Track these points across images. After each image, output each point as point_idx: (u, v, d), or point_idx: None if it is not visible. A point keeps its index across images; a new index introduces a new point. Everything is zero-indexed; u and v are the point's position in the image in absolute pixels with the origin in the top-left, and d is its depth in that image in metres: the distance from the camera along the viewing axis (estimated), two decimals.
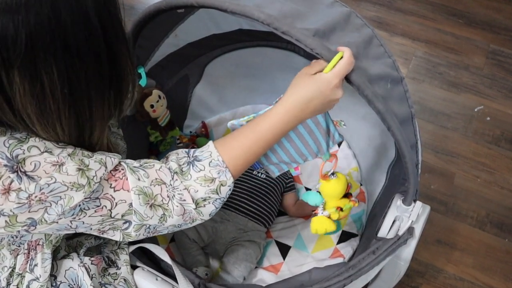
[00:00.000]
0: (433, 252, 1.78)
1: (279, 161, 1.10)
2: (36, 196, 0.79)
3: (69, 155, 0.83)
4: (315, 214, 1.27)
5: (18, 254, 0.99)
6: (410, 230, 1.16)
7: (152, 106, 1.48)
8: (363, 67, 0.96)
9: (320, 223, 1.25)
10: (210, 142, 0.98)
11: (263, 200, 1.56)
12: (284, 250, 1.56)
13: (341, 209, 1.25)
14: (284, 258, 1.54)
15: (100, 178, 0.85)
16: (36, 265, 0.99)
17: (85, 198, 0.83)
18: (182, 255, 1.49)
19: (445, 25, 2.56)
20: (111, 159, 0.88)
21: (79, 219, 0.85)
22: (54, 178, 0.80)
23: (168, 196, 0.92)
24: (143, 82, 1.27)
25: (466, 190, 1.94)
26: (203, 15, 1.37)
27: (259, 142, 0.98)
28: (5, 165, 0.78)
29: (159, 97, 1.49)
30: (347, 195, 1.26)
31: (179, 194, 0.92)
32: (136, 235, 0.92)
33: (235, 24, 1.57)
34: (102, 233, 0.92)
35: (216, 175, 0.94)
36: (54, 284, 1.01)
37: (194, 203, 0.93)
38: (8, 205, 0.78)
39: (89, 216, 0.86)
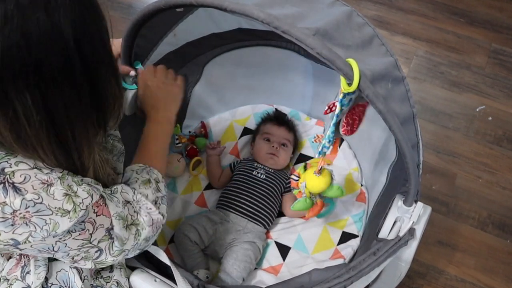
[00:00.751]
0: (434, 253, 1.78)
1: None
2: (20, 213, 0.79)
3: (59, 177, 0.84)
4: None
5: (10, 257, 1.00)
6: (411, 231, 1.16)
7: None
8: (364, 67, 0.96)
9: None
10: (127, 167, 1.11)
11: (262, 201, 1.56)
12: (284, 251, 1.56)
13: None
14: (284, 259, 1.54)
15: (86, 206, 0.87)
16: (28, 272, 0.98)
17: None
18: (183, 257, 1.49)
19: (447, 24, 2.56)
20: (96, 192, 0.91)
21: (64, 240, 0.86)
22: (41, 197, 0.80)
23: (135, 211, 1.00)
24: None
25: (467, 191, 1.94)
26: (202, 14, 1.37)
27: (159, 140, 1.18)
28: None
29: None
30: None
31: (144, 205, 1.02)
32: (113, 260, 0.97)
33: (234, 23, 1.57)
34: (74, 262, 0.94)
35: (147, 175, 1.07)
36: (45, 286, 1.01)
37: (156, 208, 1.03)
38: None
39: (73, 239, 0.88)
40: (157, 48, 1.39)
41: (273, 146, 1.69)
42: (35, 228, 0.81)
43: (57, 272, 1.02)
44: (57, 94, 0.74)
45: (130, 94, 1.35)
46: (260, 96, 1.91)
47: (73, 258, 0.92)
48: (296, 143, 1.80)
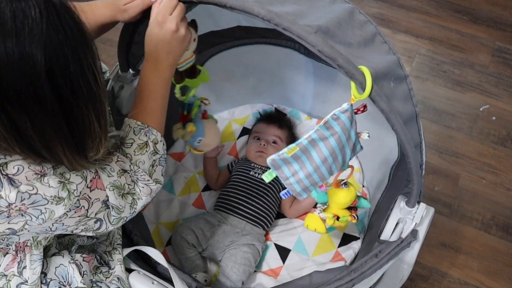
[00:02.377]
0: (437, 255, 1.78)
1: (310, 184, 1.10)
2: (16, 206, 0.80)
3: (52, 166, 0.85)
4: (312, 211, 1.30)
5: (6, 253, 1.00)
6: (413, 233, 1.16)
7: None
8: (366, 65, 0.96)
9: (313, 221, 1.31)
10: (126, 118, 1.07)
11: (260, 202, 1.57)
12: (283, 253, 1.56)
13: (337, 218, 1.29)
14: (283, 262, 1.54)
15: (80, 192, 0.88)
16: (25, 267, 1.00)
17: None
18: (180, 260, 1.49)
19: (450, 22, 2.57)
20: (90, 173, 0.92)
21: (61, 221, 0.88)
22: (36, 188, 0.81)
23: (132, 181, 1.01)
24: None
25: (471, 192, 1.95)
26: (200, 11, 1.37)
27: (156, 95, 1.09)
28: None
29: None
30: (350, 208, 1.31)
31: (141, 175, 1.01)
32: (113, 227, 1.00)
33: (233, 21, 1.57)
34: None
35: (145, 137, 1.04)
36: (44, 282, 1.02)
37: (149, 176, 1.03)
38: None
39: (69, 217, 0.89)
40: None
41: (261, 144, 1.69)
42: (31, 217, 0.83)
43: (55, 267, 1.03)
44: (27, 120, 0.73)
45: (127, 92, 1.35)
46: (259, 95, 1.91)
47: (72, 232, 0.95)
48: (293, 140, 1.80)
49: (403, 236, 1.17)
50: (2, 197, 0.79)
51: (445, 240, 1.82)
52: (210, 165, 1.72)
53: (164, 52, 1.07)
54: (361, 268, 1.15)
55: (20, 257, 1.00)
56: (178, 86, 1.34)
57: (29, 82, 0.70)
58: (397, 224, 1.18)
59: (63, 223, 0.89)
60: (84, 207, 0.91)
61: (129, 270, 1.13)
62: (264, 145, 1.69)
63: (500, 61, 2.39)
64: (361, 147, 1.12)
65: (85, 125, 0.81)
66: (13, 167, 0.80)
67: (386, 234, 1.18)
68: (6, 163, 0.80)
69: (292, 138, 1.79)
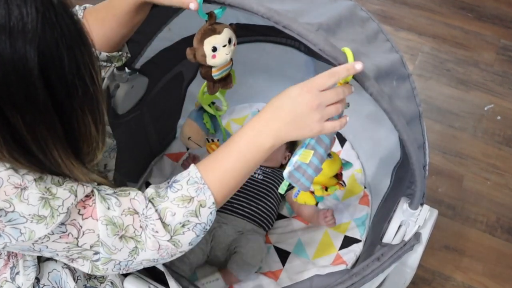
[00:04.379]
0: (441, 258, 1.78)
1: (316, 174, 1.10)
2: None
3: (35, 179, 0.80)
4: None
5: None
6: (416, 236, 1.17)
7: (214, 49, 1.12)
8: (368, 63, 0.96)
9: (302, 195, 1.30)
10: (192, 165, 0.95)
11: (261, 202, 1.57)
12: (283, 256, 1.56)
13: (326, 189, 1.28)
14: (283, 265, 1.54)
15: (68, 208, 0.82)
16: (18, 273, 0.99)
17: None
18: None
19: (453, 19, 2.57)
20: (84, 187, 0.85)
21: (42, 243, 0.83)
22: (13, 206, 0.78)
23: (141, 227, 0.89)
24: (201, 13, 1.06)
25: (475, 193, 1.95)
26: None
27: (239, 155, 0.94)
28: None
29: (229, 41, 1.14)
30: (337, 175, 1.30)
31: (151, 224, 0.89)
32: (103, 269, 0.90)
33: (232, 18, 1.57)
34: (71, 261, 0.90)
35: (194, 193, 0.91)
36: (37, 287, 1.01)
37: (170, 232, 0.89)
38: None
39: (53, 241, 0.84)
40: (152, 43, 1.39)
41: None
42: (10, 239, 0.79)
43: (49, 272, 1.02)
44: (19, 119, 0.72)
45: (122, 91, 1.35)
46: (258, 94, 1.91)
47: (67, 257, 0.88)
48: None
49: (406, 238, 1.17)
50: None
51: (448, 243, 1.82)
52: None
53: (282, 121, 0.92)
54: (362, 272, 1.15)
55: (13, 262, 0.99)
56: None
57: (21, 79, 0.69)
58: (400, 226, 1.18)
59: (47, 246, 0.84)
60: (72, 234, 0.84)
61: (124, 274, 1.13)
62: None
63: (505, 59, 2.39)
64: (348, 105, 1.10)
65: (80, 127, 0.79)
66: None
67: (389, 236, 1.19)
68: None
69: None
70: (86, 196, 0.87)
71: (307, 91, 0.91)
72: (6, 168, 0.78)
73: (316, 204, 1.35)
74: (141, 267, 0.94)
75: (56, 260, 1.03)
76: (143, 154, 1.71)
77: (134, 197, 0.90)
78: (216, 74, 1.18)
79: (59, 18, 0.71)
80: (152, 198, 0.91)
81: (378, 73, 0.97)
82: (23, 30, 0.67)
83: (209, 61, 1.13)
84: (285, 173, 1.03)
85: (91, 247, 0.87)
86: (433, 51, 2.43)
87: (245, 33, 1.65)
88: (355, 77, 0.94)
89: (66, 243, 0.85)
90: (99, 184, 0.91)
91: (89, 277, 1.07)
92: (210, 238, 1.50)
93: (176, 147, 1.80)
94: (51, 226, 0.81)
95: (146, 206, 0.89)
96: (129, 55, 1.22)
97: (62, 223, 0.83)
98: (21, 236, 0.79)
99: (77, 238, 0.85)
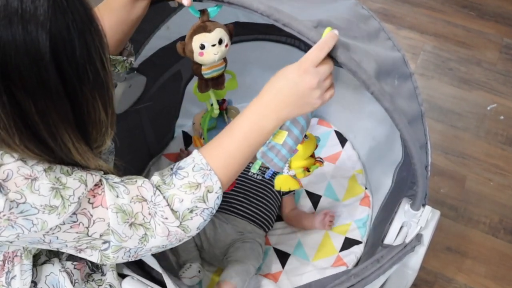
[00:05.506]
0: (443, 260, 1.78)
1: (290, 154, 1.10)
2: (4, 215, 0.78)
3: (44, 170, 0.81)
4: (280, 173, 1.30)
5: None
6: (418, 237, 1.17)
7: (202, 46, 1.13)
8: (369, 62, 0.96)
9: (285, 181, 1.29)
10: (195, 150, 0.96)
11: (260, 203, 1.57)
12: (283, 258, 1.56)
13: (308, 170, 1.28)
14: (283, 267, 1.54)
15: (79, 198, 0.83)
16: (14, 277, 0.98)
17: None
18: (178, 250, 1.49)
19: (456, 17, 2.57)
20: (93, 176, 0.86)
21: (53, 233, 0.84)
22: (24, 197, 0.79)
23: (149, 214, 0.90)
24: (192, 9, 1.08)
25: (478, 194, 1.95)
26: (196, 6, 1.37)
27: (243, 140, 0.96)
28: None
29: (220, 41, 1.14)
30: (312, 155, 1.30)
31: (160, 211, 0.90)
32: (114, 257, 0.91)
33: (231, 16, 1.57)
34: (79, 252, 0.91)
35: (201, 179, 0.92)
36: None
37: (179, 218, 0.91)
38: None
39: (64, 232, 0.85)
40: (150, 42, 1.39)
41: None
42: (22, 230, 0.80)
43: (46, 276, 1.02)
44: (31, 104, 0.73)
45: (120, 90, 1.34)
46: (258, 93, 1.90)
47: (76, 248, 0.89)
48: None
49: (408, 240, 1.17)
50: None
51: (451, 244, 1.82)
52: None
53: (284, 103, 0.95)
54: (362, 273, 1.14)
55: (8, 267, 0.99)
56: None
57: (33, 63, 0.70)
58: (401, 227, 1.18)
59: (57, 237, 0.85)
60: (82, 224, 0.85)
61: (122, 276, 1.13)
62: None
63: (508, 58, 2.39)
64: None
65: (90, 112, 0.80)
66: (3, 172, 0.78)
67: (390, 238, 1.18)
68: None
69: None
70: (95, 185, 0.88)
71: (304, 72, 0.94)
72: (15, 160, 0.79)
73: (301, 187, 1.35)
74: (150, 253, 0.96)
75: (53, 264, 1.04)
76: (141, 154, 1.71)
77: (141, 185, 0.91)
78: (206, 72, 1.19)
79: (70, 3, 0.72)
80: (159, 186, 0.93)
81: (379, 72, 0.97)
82: (34, 13, 0.68)
83: (196, 58, 1.14)
84: (258, 152, 1.03)
85: (100, 236, 0.88)
86: (435, 50, 2.43)
87: (245, 32, 1.65)
88: (356, 76, 0.94)
89: (77, 232, 0.86)
90: (105, 172, 0.92)
91: (87, 279, 1.07)
92: (211, 234, 1.50)
93: (174, 147, 1.80)
94: (63, 216, 0.82)
95: (154, 193, 0.91)
96: (133, 62, 1.22)
97: (73, 213, 0.84)
98: (33, 227, 0.80)
99: (87, 227, 0.86)
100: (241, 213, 1.55)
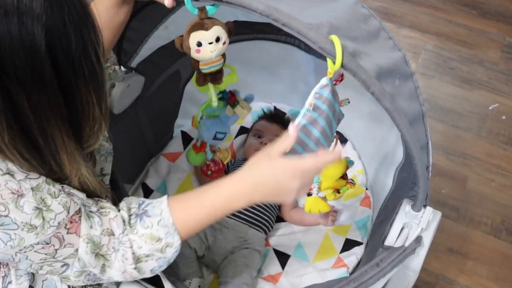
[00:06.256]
0: (444, 261, 1.78)
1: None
2: None
3: (32, 188, 0.82)
4: (310, 194, 1.28)
5: None
6: (417, 239, 1.16)
7: (199, 44, 1.14)
8: (370, 61, 0.96)
9: (315, 204, 1.29)
10: (164, 198, 0.99)
11: (261, 204, 1.57)
12: (283, 259, 1.56)
13: (338, 191, 1.28)
14: (283, 268, 1.54)
15: (59, 223, 0.85)
16: (10, 282, 0.99)
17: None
18: (178, 264, 1.48)
19: (457, 16, 2.57)
20: (74, 204, 0.89)
21: (25, 252, 0.85)
22: (8, 210, 0.79)
23: (113, 248, 0.94)
24: (189, 6, 1.07)
25: (479, 195, 1.95)
26: (195, 4, 1.37)
27: (211, 210, 0.99)
28: None
29: (218, 39, 1.14)
30: (343, 176, 1.30)
31: (123, 250, 0.94)
32: (75, 280, 0.93)
33: (230, 16, 1.57)
34: (37, 272, 0.93)
35: (163, 235, 0.95)
36: None
37: (135, 261, 0.95)
38: None
39: (35, 251, 0.86)
40: (148, 41, 1.39)
41: (261, 143, 1.69)
42: None
43: (43, 281, 1.03)
44: (24, 97, 0.73)
45: (118, 90, 1.34)
46: (258, 93, 1.90)
47: (36, 271, 0.91)
48: None
49: (409, 241, 1.16)
50: None
51: (452, 246, 1.82)
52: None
53: (260, 191, 0.97)
54: (361, 278, 1.14)
55: (5, 271, 0.99)
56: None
57: (28, 56, 0.70)
58: (402, 229, 1.18)
59: (27, 256, 0.86)
60: (54, 246, 0.87)
61: None
62: (266, 144, 1.68)
63: (510, 58, 2.39)
64: (343, 114, 1.12)
65: (84, 107, 0.80)
66: None
67: (391, 239, 1.18)
68: None
69: None
70: (75, 211, 0.89)
71: (292, 177, 0.95)
72: (3, 173, 0.80)
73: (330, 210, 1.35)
74: (107, 281, 0.99)
75: None
76: (139, 154, 1.71)
77: (113, 218, 0.95)
78: (203, 68, 1.20)
79: None
80: (126, 224, 0.96)
81: (380, 72, 0.97)
82: (30, 6, 0.69)
83: (193, 54, 1.15)
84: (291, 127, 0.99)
85: (63, 259, 0.90)
86: (436, 49, 2.43)
87: (244, 31, 1.65)
88: (356, 76, 0.94)
89: (46, 254, 0.87)
90: (84, 189, 0.93)
91: (84, 285, 1.07)
92: (211, 240, 1.50)
93: (173, 147, 1.80)
94: (40, 237, 0.83)
95: (123, 232, 0.94)
96: (117, 71, 1.23)
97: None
98: (10, 241, 0.81)
99: (56, 250, 0.88)
100: (242, 216, 1.54)
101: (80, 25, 0.75)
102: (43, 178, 0.85)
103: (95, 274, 0.94)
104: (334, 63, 0.92)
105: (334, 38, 0.91)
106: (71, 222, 0.88)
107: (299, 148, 1.04)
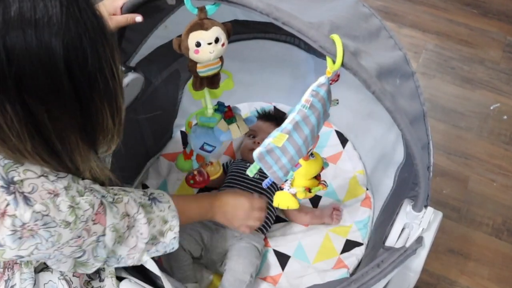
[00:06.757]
0: (445, 262, 1.78)
1: (291, 166, 1.09)
2: (29, 226, 0.82)
3: (65, 187, 0.87)
4: (281, 188, 1.28)
5: None
6: (418, 240, 1.16)
7: (198, 44, 1.13)
8: (370, 61, 0.96)
9: (284, 199, 1.28)
10: (163, 192, 1.17)
11: None
12: (283, 260, 1.56)
13: (310, 190, 1.27)
14: (283, 269, 1.54)
15: (87, 218, 0.91)
16: (13, 286, 0.99)
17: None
18: (171, 267, 1.48)
19: (458, 15, 2.57)
20: (97, 200, 0.95)
21: (61, 248, 0.90)
22: (49, 209, 0.84)
23: (127, 226, 1.03)
24: (188, 5, 1.08)
25: (481, 195, 1.95)
26: (195, 5, 1.37)
27: (188, 216, 1.23)
28: (1, 186, 0.81)
29: (217, 40, 1.14)
30: (316, 176, 1.29)
31: (138, 226, 1.06)
32: (93, 264, 1.02)
33: (229, 15, 1.57)
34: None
35: (170, 218, 1.13)
36: None
37: (148, 238, 1.07)
38: (2, 232, 0.80)
39: (69, 246, 0.91)
40: (147, 41, 1.39)
41: (255, 142, 1.69)
42: (41, 240, 0.84)
43: (44, 284, 1.04)
44: (43, 110, 0.75)
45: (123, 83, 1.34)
46: (257, 93, 1.91)
47: (60, 268, 0.98)
48: None
49: (410, 241, 1.16)
50: (17, 216, 0.81)
51: (453, 246, 1.82)
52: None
53: (230, 214, 1.37)
54: (361, 279, 1.14)
55: (8, 275, 1.00)
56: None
57: (47, 72, 0.72)
58: (403, 229, 1.18)
59: (62, 252, 0.91)
60: (83, 238, 0.93)
61: (120, 278, 1.13)
62: (259, 143, 1.68)
63: (511, 57, 2.39)
64: (329, 114, 1.12)
65: (98, 119, 0.83)
66: (28, 185, 0.83)
67: (392, 240, 1.18)
68: (22, 181, 0.82)
69: None
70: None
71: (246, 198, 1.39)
72: (38, 176, 0.84)
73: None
74: (117, 265, 1.08)
75: (51, 271, 1.05)
76: (139, 154, 1.71)
77: (127, 202, 1.04)
78: (201, 70, 1.19)
79: (83, 13, 0.74)
80: (141, 205, 1.07)
81: (380, 71, 0.97)
82: (48, 23, 0.70)
83: (192, 55, 1.15)
84: (255, 153, 1.03)
85: (86, 247, 0.96)
86: (437, 48, 2.43)
87: (243, 30, 1.65)
88: (356, 76, 0.94)
89: (76, 246, 0.93)
90: (94, 178, 0.98)
91: (86, 287, 1.08)
92: (208, 240, 1.50)
93: (172, 147, 1.80)
94: (74, 232, 0.88)
95: (138, 211, 1.05)
96: None
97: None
98: (51, 237, 0.85)
99: (84, 241, 0.93)
100: None
101: (96, 40, 0.76)
102: (70, 176, 0.89)
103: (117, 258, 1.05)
104: (334, 62, 0.93)
105: (335, 37, 0.92)
106: (95, 214, 0.94)
107: (289, 145, 1.04)
